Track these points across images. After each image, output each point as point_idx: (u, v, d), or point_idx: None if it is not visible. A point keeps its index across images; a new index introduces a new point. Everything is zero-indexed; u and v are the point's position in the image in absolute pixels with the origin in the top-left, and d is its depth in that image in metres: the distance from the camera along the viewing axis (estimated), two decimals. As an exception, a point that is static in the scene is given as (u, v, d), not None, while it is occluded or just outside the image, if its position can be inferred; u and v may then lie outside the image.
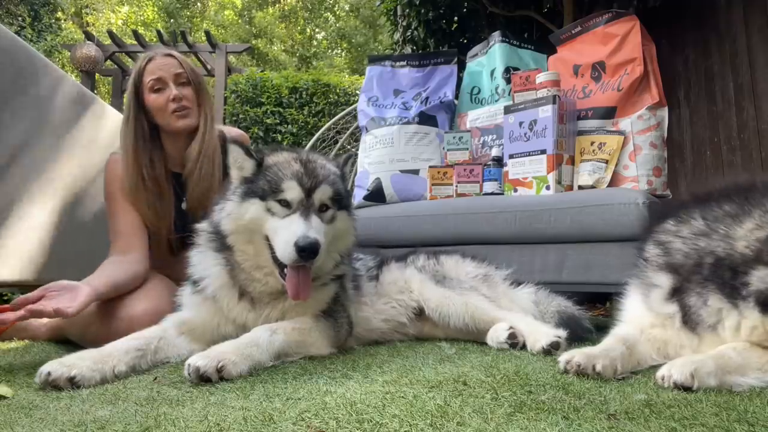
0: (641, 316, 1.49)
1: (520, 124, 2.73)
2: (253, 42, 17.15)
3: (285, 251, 1.53)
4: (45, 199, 2.63)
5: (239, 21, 18.33)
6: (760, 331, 1.24)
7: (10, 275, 2.42)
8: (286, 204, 1.60)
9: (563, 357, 1.31)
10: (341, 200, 1.69)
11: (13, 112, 2.38)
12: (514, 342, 1.73)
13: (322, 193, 1.62)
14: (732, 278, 1.26)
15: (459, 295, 1.93)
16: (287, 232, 1.54)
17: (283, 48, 18.34)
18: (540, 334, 1.68)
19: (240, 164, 1.72)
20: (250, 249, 1.64)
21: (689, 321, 1.36)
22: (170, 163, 2.18)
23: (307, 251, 1.49)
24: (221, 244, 1.69)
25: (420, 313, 2.00)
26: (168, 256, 2.17)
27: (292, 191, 1.60)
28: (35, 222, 2.57)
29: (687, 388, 1.15)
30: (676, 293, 1.39)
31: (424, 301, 1.98)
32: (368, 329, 1.91)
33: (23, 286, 2.69)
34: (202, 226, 1.80)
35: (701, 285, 1.32)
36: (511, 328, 1.76)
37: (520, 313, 1.92)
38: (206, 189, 2.13)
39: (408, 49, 4.66)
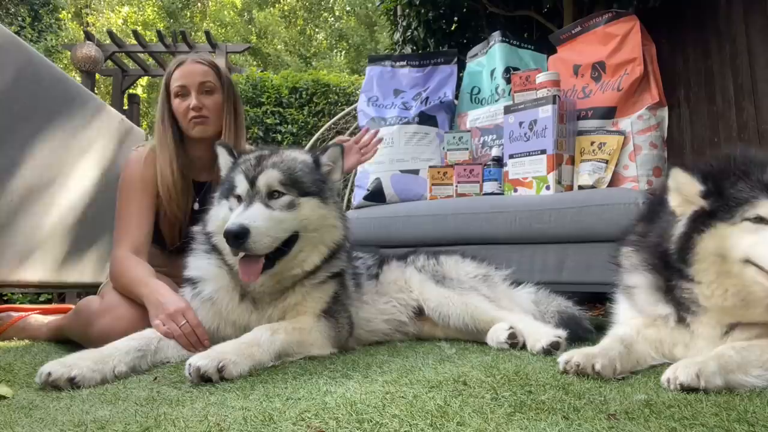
0: (633, 317, 1.52)
1: (520, 124, 2.73)
2: (254, 40, 17.15)
3: (222, 243, 1.56)
4: (64, 201, 2.66)
5: (239, 20, 18.33)
6: None
7: (32, 276, 2.47)
8: (239, 199, 1.61)
9: (562, 357, 1.31)
10: (303, 186, 1.64)
11: (31, 121, 2.43)
12: (514, 342, 1.73)
13: (267, 178, 1.59)
14: None
15: (459, 295, 1.93)
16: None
17: (285, 48, 18.34)
18: (540, 334, 1.68)
19: (224, 164, 1.76)
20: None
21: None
22: (191, 169, 2.17)
23: (232, 236, 1.46)
24: (212, 246, 1.70)
25: (419, 313, 2.01)
26: (169, 254, 2.18)
27: (241, 184, 1.60)
28: (54, 223, 2.59)
29: (693, 390, 1.14)
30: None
31: (423, 300, 1.98)
32: (370, 330, 1.91)
33: (45, 287, 2.73)
34: (197, 228, 1.81)
35: None
36: (511, 328, 1.76)
37: (520, 313, 1.92)
38: None
39: (408, 49, 4.65)
